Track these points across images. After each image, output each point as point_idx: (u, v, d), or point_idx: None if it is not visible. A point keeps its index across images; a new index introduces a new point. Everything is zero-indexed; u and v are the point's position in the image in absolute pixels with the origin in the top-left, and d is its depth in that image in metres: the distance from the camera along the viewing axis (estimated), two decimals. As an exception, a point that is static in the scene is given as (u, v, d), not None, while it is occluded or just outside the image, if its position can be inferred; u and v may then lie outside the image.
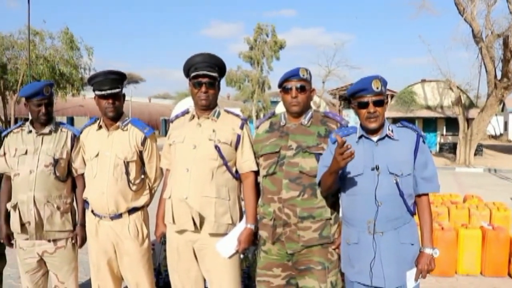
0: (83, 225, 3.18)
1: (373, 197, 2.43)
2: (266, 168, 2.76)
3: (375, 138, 2.50)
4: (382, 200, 2.42)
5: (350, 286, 2.62)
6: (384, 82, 2.47)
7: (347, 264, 2.61)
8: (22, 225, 3.05)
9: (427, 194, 2.54)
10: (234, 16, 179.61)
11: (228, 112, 2.98)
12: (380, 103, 2.44)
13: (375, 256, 2.45)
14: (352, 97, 2.52)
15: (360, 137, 2.54)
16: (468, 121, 21.83)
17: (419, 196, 2.53)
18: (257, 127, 2.98)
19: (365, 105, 2.44)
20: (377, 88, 2.42)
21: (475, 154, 21.20)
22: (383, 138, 2.49)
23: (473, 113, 22.70)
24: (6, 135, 3.21)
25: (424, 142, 2.53)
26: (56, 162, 3.08)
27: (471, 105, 24.60)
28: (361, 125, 2.55)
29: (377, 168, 2.44)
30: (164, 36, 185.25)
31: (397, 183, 2.42)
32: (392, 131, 2.51)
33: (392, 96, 27.65)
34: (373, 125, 2.45)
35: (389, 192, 2.43)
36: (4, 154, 3.15)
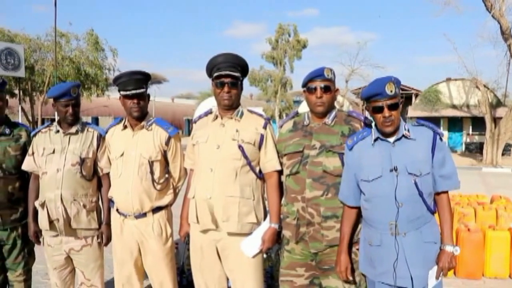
0: (108, 224, 3.23)
1: (393, 198, 2.41)
2: (289, 167, 2.76)
3: (391, 139, 2.48)
4: (403, 201, 2.40)
5: (371, 285, 2.60)
6: (397, 83, 2.44)
7: (367, 265, 2.59)
8: (51, 222, 3.12)
9: (446, 192, 2.51)
10: (257, 16, 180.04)
11: (251, 112, 2.99)
12: (395, 107, 2.41)
13: (397, 257, 2.43)
14: (366, 100, 2.50)
15: (376, 139, 2.51)
16: (495, 120, 21.39)
17: (438, 194, 2.51)
18: (281, 127, 2.98)
19: (380, 109, 2.41)
20: (391, 91, 2.39)
21: (502, 154, 20.78)
22: (400, 138, 2.46)
23: (500, 112, 22.24)
24: (34, 135, 3.29)
25: (441, 139, 2.49)
26: (82, 161, 3.14)
27: (499, 104, 24.12)
28: (376, 127, 2.53)
29: (395, 169, 2.42)
30: (188, 37, 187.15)
31: (415, 183, 2.39)
32: (408, 130, 2.48)
33: (416, 95, 27.26)
34: (389, 129, 2.43)
35: (409, 192, 2.40)
36: (33, 153, 3.22)
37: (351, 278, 2.64)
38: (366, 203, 2.53)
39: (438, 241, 2.50)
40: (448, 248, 2.47)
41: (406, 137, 2.47)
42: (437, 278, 2.47)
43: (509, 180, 14.60)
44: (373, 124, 2.56)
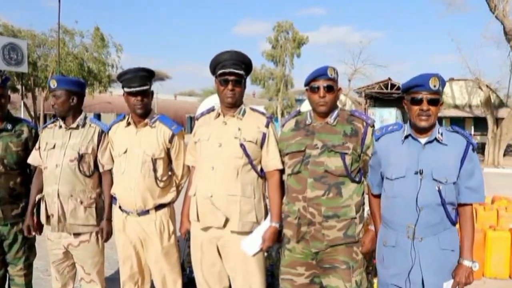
0: (109, 220, 3.23)
1: (414, 201, 2.35)
2: (291, 166, 2.75)
3: (423, 140, 2.41)
4: (423, 206, 2.34)
5: (383, 287, 2.58)
6: (442, 82, 2.39)
7: (381, 265, 2.57)
8: (48, 217, 3.14)
9: (470, 204, 2.44)
10: (264, 14, 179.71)
11: (253, 110, 2.98)
12: (435, 102, 2.35)
13: (413, 262, 2.38)
14: (406, 92, 2.44)
15: (407, 136, 2.46)
16: (498, 120, 21.35)
17: (461, 205, 2.43)
18: (283, 125, 2.97)
19: (419, 101, 2.35)
20: (434, 86, 2.33)
21: (504, 155, 20.74)
22: (432, 141, 2.40)
23: (503, 112, 22.20)
24: (43, 130, 3.32)
25: (473, 150, 2.42)
26: (80, 157, 3.13)
27: (501, 104, 24.06)
28: (410, 123, 2.47)
29: (421, 172, 2.36)
30: (193, 34, 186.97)
31: (439, 191, 2.33)
32: (441, 134, 2.41)
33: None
34: (423, 124, 2.36)
35: (431, 198, 2.34)
36: (39, 148, 3.24)
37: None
38: (387, 201, 2.50)
39: (456, 249, 2.44)
40: (467, 263, 2.40)
41: (438, 141, 2.40)
42: None
43: (511, 180, 14.57)
44: (383, 122, 2.53)
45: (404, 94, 2.47)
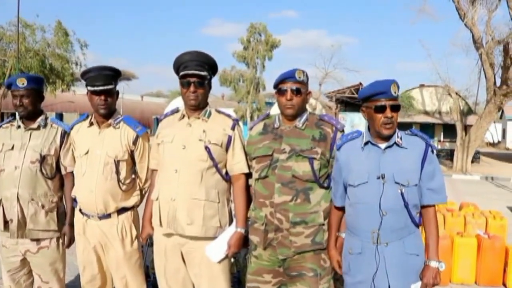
0: (71, 225, 3.16)
1: (377, 206, 2.39)
2: (258, 171, 2.75)
3: (382, 145, 2.45)
4: (387, 210, 2.38)
5: None
6: (399, 87, 2.43)
7: (347, 275, 2.59)
8: (6, 222, 3.03)
9: (433, 205, 2.49)
10: (235, 16, 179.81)
11: (219, 112, 2.97)
12: (397, 109, 2.39)
13: (378, 267, 2.41)
14: (366, 100, 2.46)
15: (366, 143, 2.49)
16: (466, 127, 21.96)
17: (424, 207, 2.48)
18: (251, 129, 2.97)
19: (382, 109, 2.37)
20: (395, 92, 2.37)
21: (472, 162, 21.30)
22: (391, 145, 2.44)
23: (471, 119, 22.85)
24: None
25: (433, 152, 2.47)
26: (43, 158, 3.07)
27: (470, 111, 24.76)
28: (368, 130, 2.50)
29: (382, 176, 2.40)
30: (161, 33, 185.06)
31: (402, 194, 2.38)
32: (401, 138, 2.46)
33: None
34: (388, 132, 2.40)
35: (394, 202, 2.38)
36: None
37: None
38: (350, 208, 2.52)
39: (421, 253, 2.48)
40: (433, 264, 2.45)
41: (397, 145, 2.44)
42: None
43: (478, 187, 15.01)
44: (354, 126, 2.56)
45: (363, 102, 2.49)
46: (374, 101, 2.40)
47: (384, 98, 2.37)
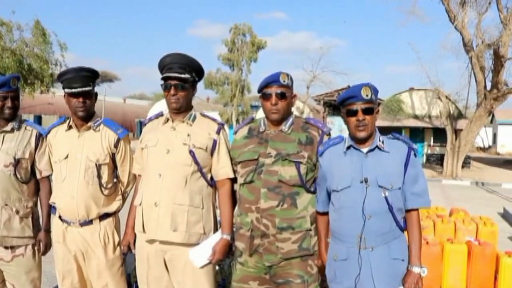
0: (47, 231, 3.12)
1: (361, 210, 2.43)
2: (243, 176, 2.75)
3: (365, 149, 2.50)
4: (371, 214, 2.42)
5: None
6: (375, 90, 2.49)
7: (333, 282, 2.60)
8: None
9: (416, 210, 2.54)
10: (222, 17, 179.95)
11: (204, 116, 2.97)
12: (369, 111, 2.45)
13: (360, 272, 2.44)
14: (341, 105, 2.54)
15: (349, 147, 2.54)
16: (456, 132, 22.13)
17: (408, 211, 2.53)
18: (235, 133, 2.97)
19: (354, 113, 2.46)
20: (367, 95, 2.44)
21: (462, 167, 21.49)
22: (373, 149, 2.50)
23: (461, 124, 23.03)
24: None
25: (415, 155, 2.53)
26: (17, 162, 3.02)
27: (460, 115, 24.99)
28: (350, 135, 2.55)
29: (365, 180, 2.44)
30: (145, 34, 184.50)
31: (386, 197, 2.42)
32: (383, 142, 2.52)
33: (379, 104, 27.85)
34: (362, 134, 2.46)
35: (378, 206, 2.43)
36: None
37: None
38: (335, 213, 2.55)
39: (406, 258, 2.51)
40: (415, 269, 2.48)
41: (380, 149, 2.50)
42: None
43: (468, 192, 15.15)
44: (342, 131, 2.59)
45: (341, 108, 2.57)
46: (346, 105, 2.50)
47: (355, 102, 2.45)
